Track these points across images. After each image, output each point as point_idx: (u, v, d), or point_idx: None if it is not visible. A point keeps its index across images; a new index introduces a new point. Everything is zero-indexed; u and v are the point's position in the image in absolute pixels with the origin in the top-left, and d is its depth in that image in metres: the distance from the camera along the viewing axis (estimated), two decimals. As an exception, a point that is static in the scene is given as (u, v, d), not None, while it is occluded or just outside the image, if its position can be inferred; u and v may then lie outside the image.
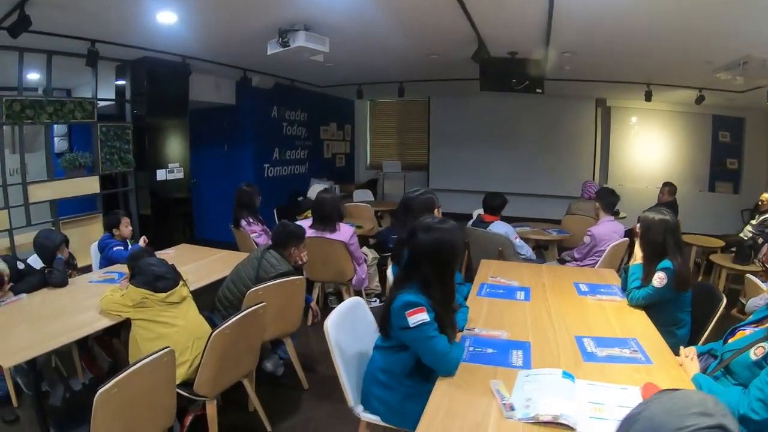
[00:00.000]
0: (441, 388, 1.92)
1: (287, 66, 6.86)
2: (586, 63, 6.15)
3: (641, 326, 2.57)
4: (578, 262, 4.66)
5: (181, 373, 2.58)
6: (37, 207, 5.20)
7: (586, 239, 4.58)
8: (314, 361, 3.98)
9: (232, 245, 5.08)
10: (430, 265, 2.08)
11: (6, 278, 3.21)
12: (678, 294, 2.73)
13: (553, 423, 1.65)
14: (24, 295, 3.31)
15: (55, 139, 7.10)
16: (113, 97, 6.06)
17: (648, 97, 7.39)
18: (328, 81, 8.53)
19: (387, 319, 2.09)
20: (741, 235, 6.09)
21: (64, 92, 6.55)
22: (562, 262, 5.02)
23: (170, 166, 6.49)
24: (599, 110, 9.56)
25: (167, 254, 4.41)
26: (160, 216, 6.38)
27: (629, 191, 8.86)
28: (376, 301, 5.30)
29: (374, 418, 2.22)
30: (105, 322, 2.86)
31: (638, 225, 2.94)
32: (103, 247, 4.27)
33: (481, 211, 5.03)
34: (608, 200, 4.72)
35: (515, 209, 6.24)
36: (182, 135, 6.70)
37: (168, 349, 2.22)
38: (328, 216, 4.48)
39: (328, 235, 4.46)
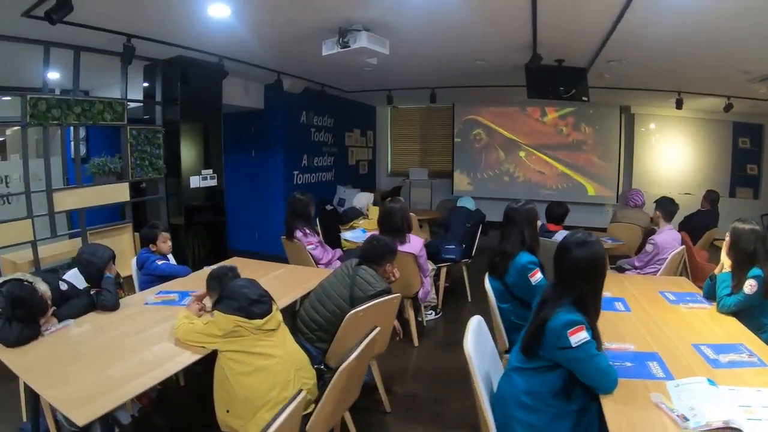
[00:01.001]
0: (609, 406, 1.82)
1: (323, 70, 6.42)
2: (624, 71, 5.99)
3: (739, 331, 2.57)
4: (639, 270, 4.50)
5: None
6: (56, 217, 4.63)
7: (649, 248, 4.41)
8: (390, 381, 3.58)
9: (266, 256, 4.57)
10: (587, 280, 1.99)
11: (49, 302, 2.64)
12: (764, 300, 2.73)
13: (725, 428, 1.65)
14: (71, 322, 2.75)
15: (71, 143, 6.51)
16: (136, 98, 5.51)
17: (679, 105, 7.26)
18: (358, 86, 8.04)
19: (538, 340, 1.96)
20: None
21: (81, 94, 5.99)
22: (620, 270, 4.75)
23: (204, 172, 5.92)
24: (623, 117, 9.33)
25: None
26: (193, 226, 5.80)
27: (652, 197, 8.33)
28: (431, 314, 5.05)
29: None
30: (188, 356, 2.33)
31: (728, 234, 2.95)
32: (143, 262, 3.72)
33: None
34: (669, 209, 4.59)
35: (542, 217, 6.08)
36: (216, 140, 6.13)
37: (301, 394, 1.92)
38: (397, 227, 4.13)
39: (399, 247, 3.99)
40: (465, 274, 5.70)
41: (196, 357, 2.32)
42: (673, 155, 9.27)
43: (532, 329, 2.00)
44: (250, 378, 2.14)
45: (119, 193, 5.11)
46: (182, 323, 2.46)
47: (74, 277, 3.22)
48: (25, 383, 2.69)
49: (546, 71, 5.45)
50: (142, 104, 5.58)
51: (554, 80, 5.63)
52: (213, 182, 6.06)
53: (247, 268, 3.98)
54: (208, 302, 2.74)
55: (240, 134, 7.51)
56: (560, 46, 4.89)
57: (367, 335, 2.39)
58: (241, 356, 2.18)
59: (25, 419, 3.02)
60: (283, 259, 4.52)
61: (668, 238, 4.36)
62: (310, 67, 6.29)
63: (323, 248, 4.65)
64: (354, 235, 5.50)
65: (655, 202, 4.72)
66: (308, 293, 3.18)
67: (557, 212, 4.73)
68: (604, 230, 5.87)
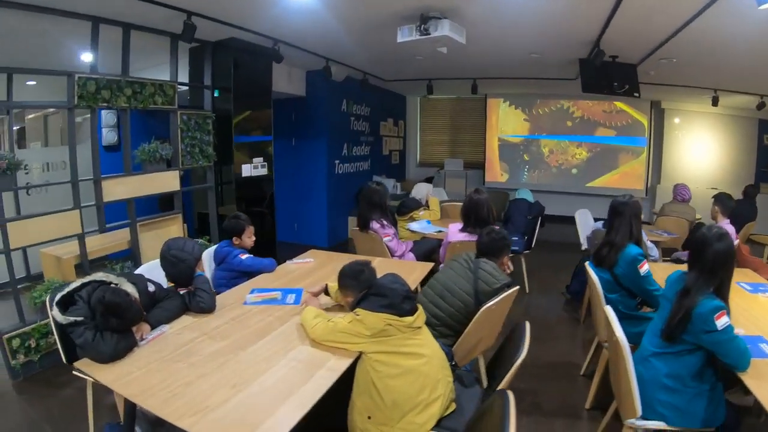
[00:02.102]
0: (750, 382, 1.95)
1: (371, 57, 6.08)
2: (670, 69, 5.93)
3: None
4: None
5: (433, 413, 2.00)
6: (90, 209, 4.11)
7: None
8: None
9: (305, 247, 4.22)
10: (727, 270, 2.14)
11: (139, 306, 2.22)
12: None
13: None
14: (166, 327, 2.35)
15: (103, 130, 6.06)
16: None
17: (715, 102, 7.34)
18: (399, 75, 7.62)
19: (683, 326, 2.07)
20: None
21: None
22: (677, 261, 4.69)
23: (255, 161, 5.48)
24: (653, 111, 9.16)
25: (305, 262, 3.67)
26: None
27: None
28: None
29: (658, 424, 2.12)
30: (337, 362, 2.01)
31: None
32: (223, 257, 3.30)
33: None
34: (727, 204, 4.59)
35: (573, 208, 6.20)
36: (267, 128, 5.68)
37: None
38: (484, 219, 3.93)
39: None
40: (524, 265, 5.41)
41: (345, 362, 2.00)
42: (701, 150, 9.16)
43: (676, 316, 2.09)
44: (399, 380, 1.95)
45: (169, 181, 4.66)
46: (318, 323, 2.17)
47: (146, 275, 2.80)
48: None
49: (600, 67, 5.36)
50: (187, 89, 5.12)
51: (608, 75, 5.58)
52: (264, 171, 5.62)
53: (335, 261, 3.69)
54: (323, 299, 2.61)
55: (280, 122, 6.99)
56: (620, 43, 4.86)
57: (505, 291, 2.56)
58: (389, 357, 1.98)
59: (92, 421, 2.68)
60: (325, 251, 4.19)
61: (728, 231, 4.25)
62: (359, 55, 5.92)
63: (397, 239, 4.34)
64: (420, 227, 5.12)
65: (713, 197, 4.68)
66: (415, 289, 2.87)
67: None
68: (647, 223, 5.53)
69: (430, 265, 3.63)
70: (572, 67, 5.96)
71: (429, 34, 3.89)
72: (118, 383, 1.84)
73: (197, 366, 1.97)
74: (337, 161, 7.37)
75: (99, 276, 2.30)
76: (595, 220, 5.75)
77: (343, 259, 3.71)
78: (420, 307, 2.13)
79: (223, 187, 5.27)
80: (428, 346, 2.08)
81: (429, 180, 9.40)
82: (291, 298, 2.80)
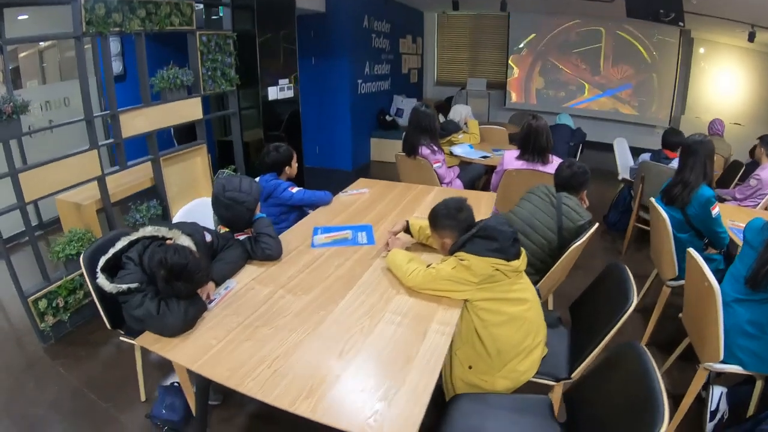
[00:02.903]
0: None
1: None
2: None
3: None
4: (738, 202, 4.34)
5: (535, 359, 1.93)
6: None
7: (753, 182, 4.24)
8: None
9: (329, 171, 4.18)
10: None
11: (207, 264, 1.90)
12: None
13: None
14: (233, 282, 2.03)
15: (112, 59, 5.45)
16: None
17: (751, 38, 6.74)
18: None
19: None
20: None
21: None
22: (720, 200, 4.47)
23: (281, 83, 4.97)
24: (682, 39, 8.42)
25: (361, 194, 3.36)
26: (272, 142, 4.96)
27: (704, 124, 7.71)
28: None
29: (735, 368, 2.08)
30: (448, 314, 1.80)
31: None
32: (271, 191, 2.96)
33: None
34: None
35: (597, 134, 6.17)
36: (292, 46, 5.12)
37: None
38: (542, 147, 3.63)
39: (540, 168, 3.62)
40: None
41: (454, 313, 1.80)
42: (727, 84, 8.54)
43: (764, 267, 1.99)
44: (504, 328, 1.84)
45: (191, 110, 4.19)
46: (416, 269, 1.93)
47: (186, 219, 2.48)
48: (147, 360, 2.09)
49: None
50: (203, 7, 4.52)
51: (653, 1, 5.37)
52: (290, 93, 5.13)
53: (387, 190, 3.46)
54: (403, 238, 2.37)
55: (300, 40, 6.40)
56: None
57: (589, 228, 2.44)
58: (495, 304, 1.83)
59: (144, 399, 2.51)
60: (350, 175, 3.90)
61: None
62: None
63: (445, 166, 4.06)
64: (464, 151, 4.76)
65: (758, 138, 4.40)
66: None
67: (674, 139, 4.38)
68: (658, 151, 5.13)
69: (493, 195, 3.44)
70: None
71: None
72: (202, 365, 1.52)
73: (287, 330, 1.69)
74: (359, 80, 6.85)
75: (148, 231, 1.94)
76: (633, 150, 5.43)
77: (399, 189, 3.51)
78: (523, 250, 1.92)
79: (248, 112, 4.80)
80: (530, 290, 1.95)
81: (449, 100, 8.88)
82: (362, 237, 2.50)
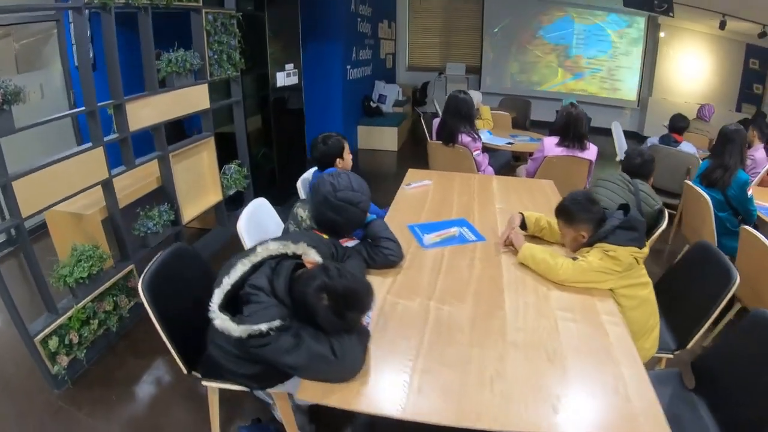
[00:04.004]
0: None
1: None
2: None
3: None
4: None
5: (656, 336, 1.98)
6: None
7: (748, 162, 4.41)
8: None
9: None
10: None
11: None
12: None
13: None
14: (368, 315, 1.60)
15: (73, 47, 4.70)
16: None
17: (722, 26, 7.28)
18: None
19: None
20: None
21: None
22: None
23: (287, 68, 4.46)
24: (649, 24, 8.78)
25: (425, 186, 3.11)
26: (277, 132, 4.47)
27: (671, 105, 8.67)
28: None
29: None
30: (604, 305, 1.78)
31: None
32: None
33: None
34: (764, 128, 4.62)
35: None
36: (295, 28, 4.61)
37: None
38: (582, 134, 3.67)
39: (579, 154, 3.66)
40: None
41: (610, 303, 1.79)
42: (690, 67, 9.07)
43: None
44: (638, 311, 1.89)
45: (199, 98, 3.64)
46: (564, 262, 1.87)
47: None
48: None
49: None
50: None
51: None
52: (295, 79, 4.62)
53: (444, 180, 3.24)
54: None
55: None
56: None
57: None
58: (631, 290, 1.89)
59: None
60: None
61: (763, 155, 4.51)
62: None
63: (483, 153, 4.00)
64: (488, 138, 4.67)
65: (749, 120, 4.91)
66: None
67: (681, 124, 4.63)
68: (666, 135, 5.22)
69: (551, 183, 3.33)
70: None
71: None
72: (414, 409, 1.22)
73: (479, 346, 1.48)
74: (348, 66, 6.35)
75: (273, 248, 1.48)
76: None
77: (454, 178, 3.37)
78: None
79: (252, 100, 4.28)
80: (647, 273, 1.99)
81: (425, 86, 8.60)
82: (467, 233, 2.33)
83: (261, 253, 1.46)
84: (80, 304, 2.59)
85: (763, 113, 6.65)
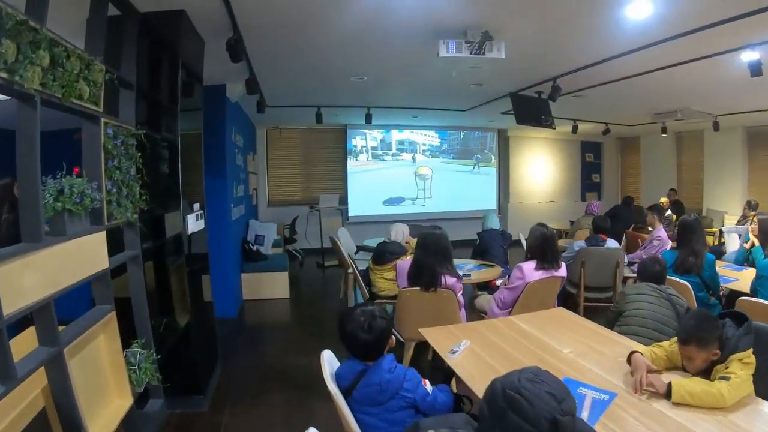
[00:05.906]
0: None
1: (298, 73, 4.65)
2: (569, 103, 6.18)
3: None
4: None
5: None
6: None
7: (656, 242, 5.13)
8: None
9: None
10: None
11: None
12: None
13: None
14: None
15: None
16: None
17: (574, 130, 8.23)
18: (287, 99, 5.89)
19: None
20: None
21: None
22: (633, 264, 5.03)
23: (194, 207, 3.30)
24: (500, 139, 10.17)
25: (467, 347, 2.39)
26: (181, 295, 3.17)
27: (526, 207, 10.23)
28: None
29: None
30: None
31: (757, 222, 4.14)
32: (399, 383, 1.84)
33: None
34: (660, 214, 5.50)
35: (454, 234, 5.41)
36: (198, 159, 3.51)
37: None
38: (556, 252, 3.58)
39: (555, 273, 3.52)
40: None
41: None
42: (539, 170, 10.54)
43: None
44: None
45: (98, 252, 2.34)
46: (722, 388, 1.74)
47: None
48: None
49: (531, 101, 5.60)
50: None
51: (537, 110, 5.71)
52: (201, 224, 3.44)
53: (480, 335, 2.59)
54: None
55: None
56: (565, 81, 4.92)
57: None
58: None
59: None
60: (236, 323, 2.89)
61: (664, 235, 5.20)
62: (285, 68, 4.47)
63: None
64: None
65: (647, 208, 5.60)
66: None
67: (605, 225, 4.96)
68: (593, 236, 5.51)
69: (562, 310, 3.14)
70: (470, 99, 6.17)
71: (483, 53, 3.40)
72: None
73: None
74: (231, 204, 5.23)
75: None
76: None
77: (488, 327, 2.81)
78: None
79: (161, 255, 2.99)
80: None
81: (294, 222, 7.83)
82: (597, 394, 1.90)
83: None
84: None
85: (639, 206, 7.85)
